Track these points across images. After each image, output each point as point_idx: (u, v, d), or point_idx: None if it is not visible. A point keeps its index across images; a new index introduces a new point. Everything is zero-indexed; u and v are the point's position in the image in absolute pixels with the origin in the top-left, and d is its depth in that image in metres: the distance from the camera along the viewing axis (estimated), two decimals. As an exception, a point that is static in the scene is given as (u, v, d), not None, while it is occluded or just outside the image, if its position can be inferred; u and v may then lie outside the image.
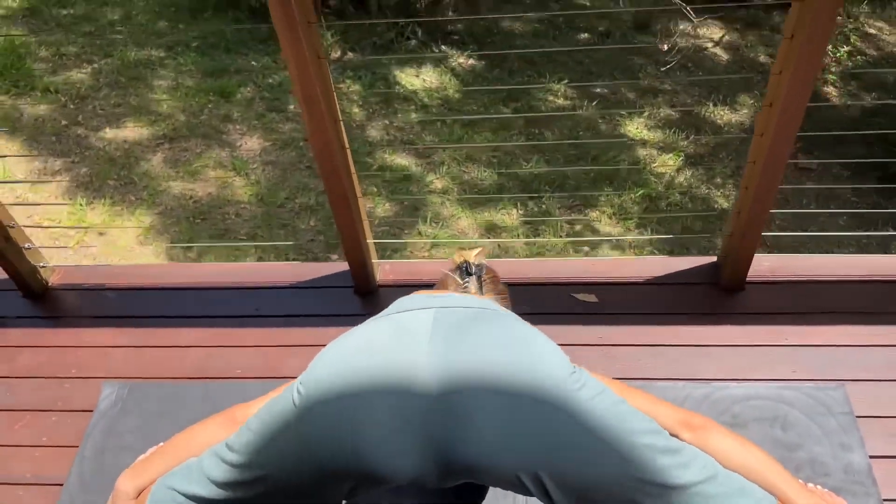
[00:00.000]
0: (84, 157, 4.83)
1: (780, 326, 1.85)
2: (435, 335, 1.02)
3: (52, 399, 1.86)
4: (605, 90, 6.38)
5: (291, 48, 1.41)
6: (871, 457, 1.61)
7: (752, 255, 1.86)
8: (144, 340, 1.96)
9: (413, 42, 6.88)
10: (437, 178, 4.65)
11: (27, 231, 2.03)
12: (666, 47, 6.51)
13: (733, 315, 1.89)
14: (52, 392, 1.87)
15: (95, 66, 5.80)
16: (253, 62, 6.29)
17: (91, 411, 1.82)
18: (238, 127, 5.64)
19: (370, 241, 1.92)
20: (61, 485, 1.69)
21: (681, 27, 7.10)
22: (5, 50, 5.67)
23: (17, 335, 2.00)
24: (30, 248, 1.99)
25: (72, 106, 5.43)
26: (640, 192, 4.49)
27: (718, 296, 1.94)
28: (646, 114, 6.46)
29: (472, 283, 1.25)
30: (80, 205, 4.37)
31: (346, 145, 1.63)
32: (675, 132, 5.34)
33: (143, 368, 1.90)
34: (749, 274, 1.94)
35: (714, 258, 2.00)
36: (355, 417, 0.96)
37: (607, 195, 4.49)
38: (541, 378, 0.97)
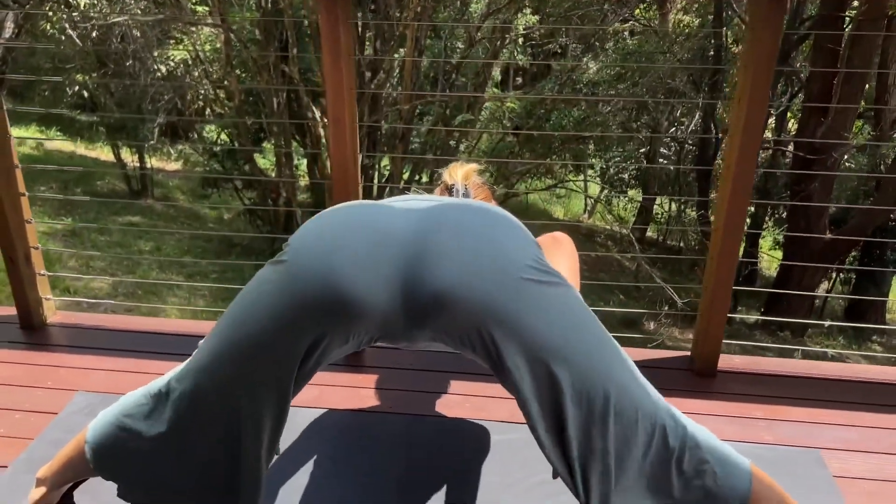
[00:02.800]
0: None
1: (755, 405, 1.88)
2: (411, 202, 1.17)
3: (20, 401, 1.82)
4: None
5: (332, 76, 1.74)
6: (854, 508, 1.55)
7: (721, 338, 1.96)
8: (131, 367, 1.97)
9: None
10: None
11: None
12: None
13: (709, 393, 1.93)
14: (21, 397, 1.84)
15: (117, 278, 6.19)
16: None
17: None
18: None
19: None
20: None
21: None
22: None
23: None
24: (44, 276, 2.11)
25: (85, 305, 5.69)
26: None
27: (693, 379, 1.99)
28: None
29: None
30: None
31: (359, 178, 1.88)
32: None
33: (123, 388, 1.88)
34: (720, 366, 2.01)
35: (688, 352, 2.09)
36: (333, 247, 1.04)
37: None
38: (508, 250, 1.06)
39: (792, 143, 9.31)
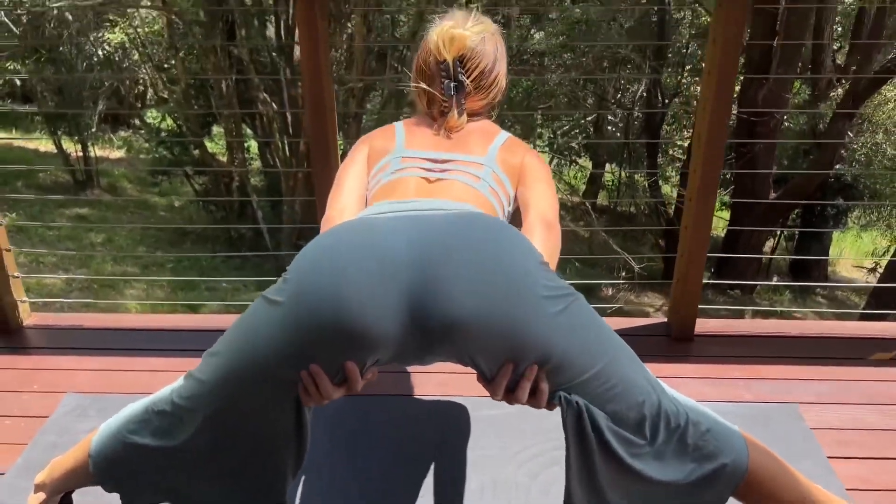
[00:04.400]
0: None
1: (731, 365, 1.97)
2: (405, 212, 1.14)
3: (9, 407, 1.79)
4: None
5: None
6: (829, 457, 1.64)
7: (697, 303, 2.04)
8: (114, 366, 1.95)
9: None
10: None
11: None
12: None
13: (687, 357, 2.01)
14: (9, 402, 1.81)
15: (70, 274, 6.02)
16: (224, 284, 6.58)
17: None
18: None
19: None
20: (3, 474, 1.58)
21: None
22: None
23: (-21, 361, 1.97)
24: (17, 278, 2.06)
25: (40, 303, 5.52)
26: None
27: (670, 344, 2.07)
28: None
29: (453, 106, 1.25)
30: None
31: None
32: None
33: (110, 386, 1.87)
34: (696, 330, 2.10)
35: (664, 318, 2.17)
36: (334, 283, 1.00)
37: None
38: (519, 272, 1.02)
39: (735, 107, 9.54)
